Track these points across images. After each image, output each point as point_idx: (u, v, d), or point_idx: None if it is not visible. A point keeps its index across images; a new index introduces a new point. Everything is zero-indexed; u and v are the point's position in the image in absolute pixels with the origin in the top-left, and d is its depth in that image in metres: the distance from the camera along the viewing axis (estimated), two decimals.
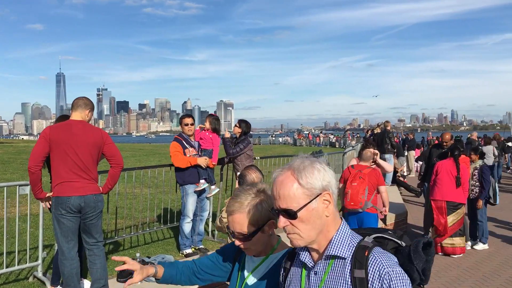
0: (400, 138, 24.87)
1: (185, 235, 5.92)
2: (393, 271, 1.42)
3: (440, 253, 7.10)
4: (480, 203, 7.46)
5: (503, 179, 16.73)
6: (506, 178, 17.54)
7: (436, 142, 12.09)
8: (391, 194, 9.90)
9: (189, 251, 5.93)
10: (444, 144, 8.32)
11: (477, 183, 7.54)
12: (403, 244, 1.56)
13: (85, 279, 4.64)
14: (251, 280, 1.89)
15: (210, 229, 6.98)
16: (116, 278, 2.32)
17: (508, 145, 21.05)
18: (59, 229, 4.07)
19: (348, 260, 1.48)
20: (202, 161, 5.94)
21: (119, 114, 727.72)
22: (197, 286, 2.35)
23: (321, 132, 65.25)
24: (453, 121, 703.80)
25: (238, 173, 3.58)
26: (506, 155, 21.42)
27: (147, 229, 6.65)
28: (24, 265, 4.89)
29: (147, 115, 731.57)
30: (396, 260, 1.48)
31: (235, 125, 6.84)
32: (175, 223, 6.73)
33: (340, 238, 1.52)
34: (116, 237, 6.13)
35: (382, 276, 1.41)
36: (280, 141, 54.70)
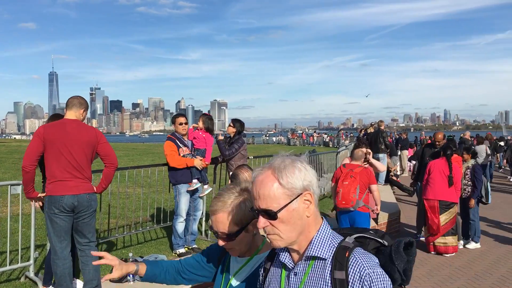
0: (394, 138, 24.98)
1: (178, 234, 5.91)
2: (373, 272, 1.39)
3: (432, 252, 7.15)
4: (473, 202, 7.51)
5: (494, 178, 16.86)
6: (497, 177, 17.68)
7: (429, 141, 12.14)
8: (384, 193, 9.94)
9: (182, 250, 5.91)
10: (437, 143, 8.36)
11: (469, 183, 7.59)
12: (385, 243, 1.53)
13: (77, 279, 4.61)
14: (235, 281, 1.85)
15: (203, 229, 6.96)
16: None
17: (500, 145, 21.24)
18: (52, 228, 4.05)
19: (328, 261, 1.45)
20: (199, 163, 5.94)
21: (112, 114, 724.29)
22: (189, 286, 2.34)
23: (314, 132, 65.45)
24: (446, 121, 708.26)
25: (231, 173, 3.57)
26: (498, 154, 21.60)
27: (140, 229, 6.62)
28: (16, 265, 4.86)
29: (141, 115, 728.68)
30: (377, 261, 1.46)
31: (229, 125, 6.83)
32: (168, 222, 6.71)
33: (321, 238, 1.49)
34: (108, 237, 6.11)
35: (363, 277, 1.38)
36: (274, 140, 54.63)
